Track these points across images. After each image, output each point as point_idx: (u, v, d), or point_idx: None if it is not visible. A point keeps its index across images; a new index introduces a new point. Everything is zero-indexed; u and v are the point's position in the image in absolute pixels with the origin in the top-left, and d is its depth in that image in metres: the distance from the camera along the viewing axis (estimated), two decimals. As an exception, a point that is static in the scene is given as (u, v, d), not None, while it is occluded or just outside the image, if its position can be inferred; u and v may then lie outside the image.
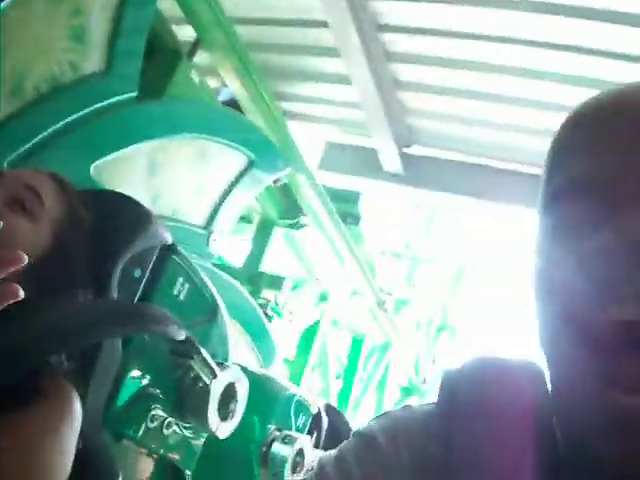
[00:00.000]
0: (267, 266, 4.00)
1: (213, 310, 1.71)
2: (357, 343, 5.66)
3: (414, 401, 8.92)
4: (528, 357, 0.72)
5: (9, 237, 1.14)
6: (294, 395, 2.20)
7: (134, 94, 2.15)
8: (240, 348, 2.82)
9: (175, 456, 1.60)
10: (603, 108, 0.61)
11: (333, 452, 0.77)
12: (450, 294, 9.68)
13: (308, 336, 4.60)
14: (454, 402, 0.70)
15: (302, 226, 4.00)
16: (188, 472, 1.64)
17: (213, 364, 1.51)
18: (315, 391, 5.03)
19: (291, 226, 4.04)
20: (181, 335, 1.32)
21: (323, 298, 4.57)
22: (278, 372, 2.94)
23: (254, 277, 3.86)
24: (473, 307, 10.44)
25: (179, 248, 1.57)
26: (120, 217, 1.42)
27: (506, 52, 3.82)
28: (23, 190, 1.24)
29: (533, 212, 0.70)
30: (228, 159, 2.67)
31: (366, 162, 4.95)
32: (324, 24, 3.91)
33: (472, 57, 3.96)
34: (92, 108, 2.04)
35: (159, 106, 2.32)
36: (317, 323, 4.62)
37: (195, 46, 2.84)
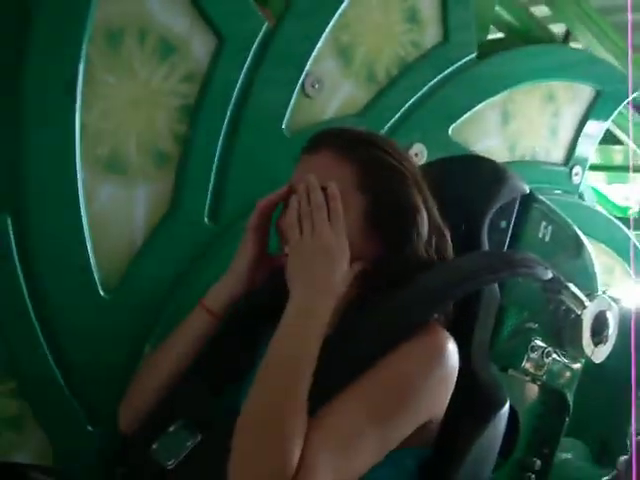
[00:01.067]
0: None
1: (578, 245, 1.84)
2: None
3: None
4: None
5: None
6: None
7: (474, 55, 2.33)
8: (616, 274, 2.91)
9: (557, 381, 1.79)
10: None
11: None
12: None
13: None
14: None
15: None
16: (569, 395, 1.82)
17: (582, 296, 1.65)
18: None
19: None
20: (548, 274, 1.48)
21: None
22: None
23: None
24: None
25: (537, 195, 1.72)
26: (480, 177, 1.62)
27: None
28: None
29: None
30: (575, 95, 2.74)
31: None
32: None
33: None
34: (439, 77, 2.26)
35: (500, 60, 2.46)
36: None
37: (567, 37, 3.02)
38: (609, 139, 3.76)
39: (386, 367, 1.20)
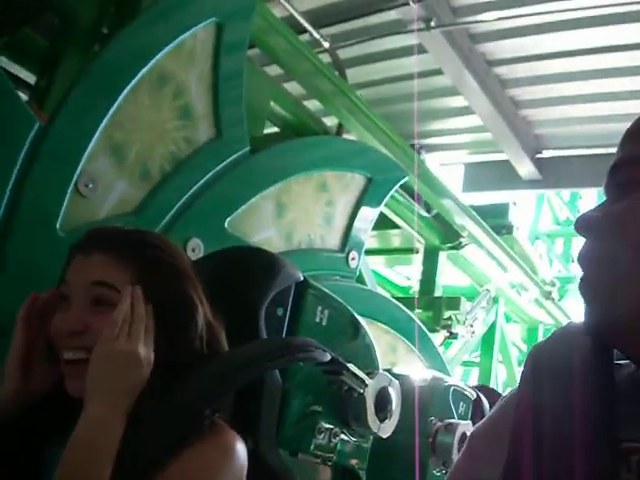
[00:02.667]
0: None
1: (355, 327, 1.91)
2: (532, 332, 5.99)
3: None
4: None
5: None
6: (450, 386, 2.37)
7: (247, 149, 2.40)
8: (399, 352, 3.02)
9: (349, 460, 1.82)
10: None
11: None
12: None
13: (488, 337, 5.06)
14: (536, 369, 0.85)
15: (463, 246, 4.39)
16: (362, 472, 1.85)
17: (362, 375, 1.71)
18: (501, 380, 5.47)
19: (453, 248, 4.46)
20: (326, 357, 1.52)
21: (495, 301, 5.05)
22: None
23: (432, 302, 4.24)
24: None
25: (311, 281, 1.78)
26: (255, 267, 1.65)
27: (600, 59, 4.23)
28: (96, 289, 1.31)
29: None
30: (348, 183, 2.87)
31: (504, 175, 5.35)
32: (439, 71, 4.46)
33: (573, 69, 4.40)
34: (213, 172, 2.30)
35: (273, 153, 2.54)
36: (494, 324, 5.08)
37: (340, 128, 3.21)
38: (387, 224, 3.99)
39: (177, 474, 1.17)
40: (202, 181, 2.27)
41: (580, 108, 4.76)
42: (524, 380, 0.86)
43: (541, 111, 4.90)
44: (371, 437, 1.87)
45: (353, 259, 2.88)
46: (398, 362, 2.88)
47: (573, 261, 9.89)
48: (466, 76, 4.27)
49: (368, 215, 2.97)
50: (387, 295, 3.30)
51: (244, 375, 1.36)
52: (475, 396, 2.47)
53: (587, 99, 4.66)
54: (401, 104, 4.75)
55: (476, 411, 2.47)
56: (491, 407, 2.53)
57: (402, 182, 3.24)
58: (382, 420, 1.80)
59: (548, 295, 5.61)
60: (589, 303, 0.79)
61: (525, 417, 0.81)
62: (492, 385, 4.92)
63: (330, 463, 1.78)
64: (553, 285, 5.79)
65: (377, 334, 2.64)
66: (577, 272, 0.83)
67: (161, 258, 1.37)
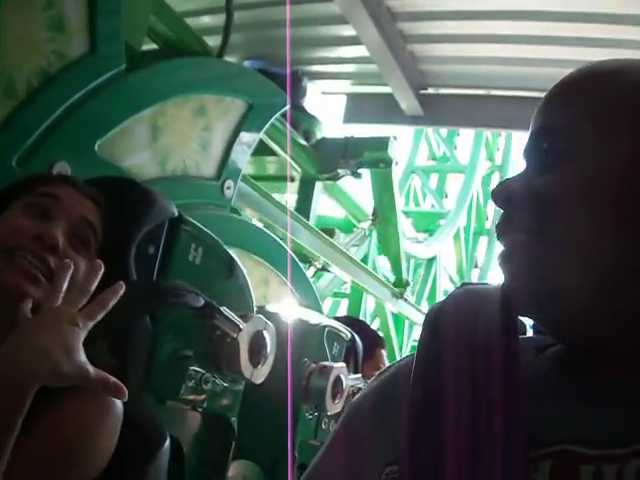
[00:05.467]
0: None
1: (230, 265, 1.81)
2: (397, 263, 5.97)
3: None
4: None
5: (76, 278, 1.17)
6: (325, 327, 2.32)
7: (123, 67, 2.23)
8: (271, 284, 2.94)
9: (220, 406, 1.74)
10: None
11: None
12: (482, 199, 10.00)
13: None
14: (435, 335, 0.78)
15: (340, 177, 4.34)
16: (233, 418, 1.78)
17: (236, 319, 1.62)
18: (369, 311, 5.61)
19: (330, 178, 4.48)
20: (199, 302, 1.43)
21: (368, 234, 5.09)
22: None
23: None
24: None
25: (185, 216, 1.67)
26: (125, 202, 1.52)
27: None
28: (85, 227, 1.28)
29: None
30: (227, 108, 2.74)
31: (387, 109, 5.23)
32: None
33: (466, 7, 4.33)
34: (85, 90, 2.13)
35: (149, 73, 2.38)
36: (366, 256, 5.11)
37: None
38: (263, 150, 3.88)
39: (51, 431, 1.08)
40: (72, 99, 2.08)
41: (467, 48, 4.73)
42: (422, 350, 0.78)
43: (429, 47, 4.83)
44: (243, 382, 1.79)
45: (228, 188, 2.77)
46: (270, 295, 2.80)
47: (447, 196, 10.15)
48: (357, 5, 4.14)
49: (246, 143, 2.85)
50: (261, 226, 3.19)
51: (111, 323, 1.24)
52: (350, 336, 2.43)
53: (475, 39, 4.62)
54: (284, 29, 4.63)
55: (350, 352, 2.44)
56: (363, 344, 2.51)
57: (283, 110, 3.13)
58: (255, 365, 1.72)
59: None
60: (515, 278, 0.74)
61: (423, 396, 0.73)
62: (361, 317, 4.95)
63: (200, 409, 1.70)
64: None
65: (250, 266, 2.55)
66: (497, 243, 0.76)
67: None
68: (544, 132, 0.75)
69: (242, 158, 2.84)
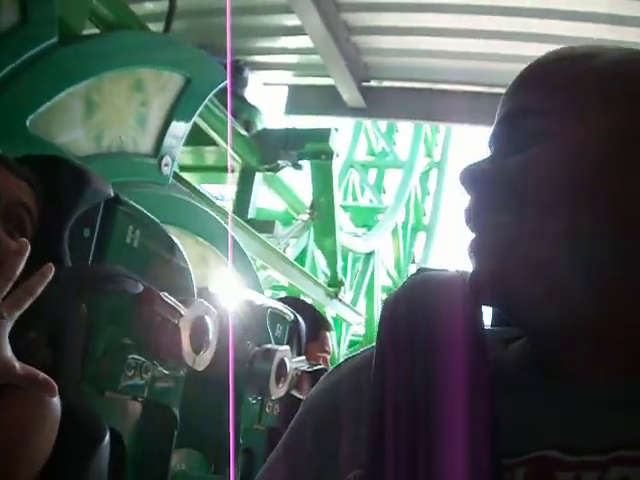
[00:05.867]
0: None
1: (169, 247, 1.74)
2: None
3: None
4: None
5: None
6: (268, 308, 2.27)
7: (55, 39, 2.13)
8: (210, 263, 2.87)
9: (161, 395, 1.67)
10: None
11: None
12: (420, 195, 10.12)
13: (299, 262, 5.01)
14: (394, 326, 0.73)
15: (281, 168, 4.42)
16: (175, 407, 1.71)
17: (177, 304, 1.56)
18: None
19: (271, 170, 4.44)
20: (138, 288, 1.36)
21: (308, 227, 5.10)
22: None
23: (246, 223, 4.05)
24: (446, 206, 11.00)
25: (122, 197, 1.59)
26: (58, 182, 1.44)
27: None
28: (20, 209, 1.23)
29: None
30: (165, 83, 2.65)
31: (329, 101, 5.24)
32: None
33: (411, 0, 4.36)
34: (16, 62, 2.02)
35: (83, 46, 2.28)
36: (305, 248, 5.13)
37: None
38: (203, 139, 3.81)
39: None
40: (1, 72, 1.98)
41: (411, 40, 4.74)
42: (382, 344, 0.73)
43: (372, 39, 4.83)
44: (185, 369, 1.73)
45: (166, 165, 2.68)
46: (210, 274, 2.73)
47: (385, 192, 10.22)
48: None
49: (184, 119, 2.77)
50: (199, 204, 3.11)
51: (43, 312, 1.17)
52: (292, 317, 2.38)
53: (418, 32, 4.63)
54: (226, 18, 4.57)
55: (293, 333, 2.39)
56: (307, 325, 2.47)
57: (222, 86, 3.05)
58: (198, 352, 1.66)
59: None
60: (479, 263, 0.70)
61: (385, 396, 0.68)
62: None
63: (141, 399, 1.63)
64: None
65: (189, 244, 2.47)
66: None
67: None
68: (517, 114, 0.71)
69: (180, 135, 2.75)
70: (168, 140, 2.66)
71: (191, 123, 2.82)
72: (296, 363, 2.21)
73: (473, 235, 0.71)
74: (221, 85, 3.01)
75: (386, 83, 5.19)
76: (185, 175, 3.46)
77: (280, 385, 2.12)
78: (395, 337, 0.72)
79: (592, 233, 0.64)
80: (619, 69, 0.69)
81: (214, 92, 3.01)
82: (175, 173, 2.82)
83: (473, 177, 0.70)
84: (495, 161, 0.71)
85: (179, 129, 2.72)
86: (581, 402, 0.64)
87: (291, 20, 4.57)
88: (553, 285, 0.65)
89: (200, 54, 2.87)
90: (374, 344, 0.75)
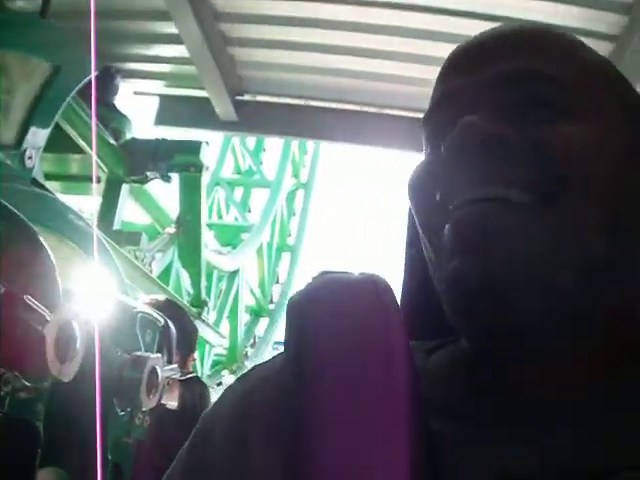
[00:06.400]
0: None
1: (34, 246, 1.61)
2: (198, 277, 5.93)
3: (264, 323, 9.51)
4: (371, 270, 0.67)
5: None
6: (138, 312, 2.14)
7: None
8: (76, 265, 2.72)
9: (23, 409, 1.53)
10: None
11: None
12: (286, 216, 10.18)
13: (164, 278, 4.99)
14: (305, 329, 0.63)
15: (149, 179, 4.24)
16: (39, 422, 1.57)
17: (41, 308, 1.42)
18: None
19: (139, 181, 4.42)
20: (-1, 291, 1.23)
21: (173, 242, 5.10)
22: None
23: (111, 235, 3.89)
24: (312, 228, 11.10)
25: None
26: None
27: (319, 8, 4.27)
28: None
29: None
30: (32, 70, 2.49)
31: (201, 113, 5.17)
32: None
33: (291, 14, 4.36)
34: None
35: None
36: (170, 265, 5.10)
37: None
38: (69, 147, 3.66)
39: None
40: None
41: (287, 55, 4.75)
42: (291, 357, 0.63)
43: (249, 52, 4.82)
44: (50, 381, 1.58)
45: (30, 158, 2.51)
46: (73, 276, 2.59)
47: (250, 211, 10.22)
48: (181, 1, 3.97)
49: (50, 110, 2.61)
50: (63, 201, 2.95)
51: None
52: (163, 322, 2.26)
53: (295, 47, 4.66)
54: (101, 22, 4.41)
55: (164, 339, 2.27)
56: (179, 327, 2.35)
57: (91, 77, 2.90)
58: (63, 361, 1.52)
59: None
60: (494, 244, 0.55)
61: (301, 420, 0.59)
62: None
63: (1, 414, 1.48)
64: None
65: (52, 243, 2.32)
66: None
67: None
68: (520, 78, 0.59)
69: (45, 128, 2.59)
70: (32, 132, 2.50)
71: (58, 114, 2.66)
72: (168, 372, 2.09)
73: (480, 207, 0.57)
74: (90, 77, 2.87)
75: (260, 97, 5.15)
76: (47, 184, 3.30)
77: (151, 395, 2.00)
78: (309, 344, 0.62)
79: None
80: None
81: (83, 83, 2.86)
82: (34, 180, 2.65)
83: (479, 136, 0.56)
84: (500, 127, 0.57)
85: (44, 120, 2.57)
86: (533, 423, 0.55)
87: (167, 27, 4.46)
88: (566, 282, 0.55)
89: (71, 40, 2.71)
90: (282, 350, 0.66)
